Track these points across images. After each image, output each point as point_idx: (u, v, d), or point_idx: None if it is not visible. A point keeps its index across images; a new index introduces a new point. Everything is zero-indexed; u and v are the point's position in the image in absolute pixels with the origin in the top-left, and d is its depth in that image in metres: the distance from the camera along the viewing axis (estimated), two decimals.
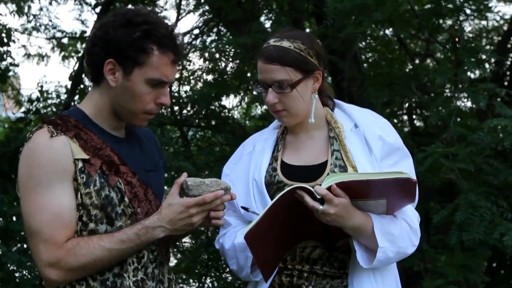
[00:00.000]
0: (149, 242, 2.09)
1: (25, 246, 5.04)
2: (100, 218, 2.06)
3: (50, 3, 7.49)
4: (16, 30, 6.10)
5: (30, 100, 7.03)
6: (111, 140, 2.12)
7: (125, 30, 2.04)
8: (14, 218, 5.04)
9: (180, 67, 6.02)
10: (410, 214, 2.32)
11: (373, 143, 2.35)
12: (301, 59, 2.29)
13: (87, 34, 7.48)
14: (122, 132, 2.19)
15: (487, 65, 4.58)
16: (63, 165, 2.00)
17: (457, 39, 4.23)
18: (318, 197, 2.12)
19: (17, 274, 4.92)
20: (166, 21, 2.13)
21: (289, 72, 2.27)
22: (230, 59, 5.70)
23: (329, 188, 2.12)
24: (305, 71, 2.31)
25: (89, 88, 7.43)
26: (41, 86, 7.35)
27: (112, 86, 2.08)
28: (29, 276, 4.84)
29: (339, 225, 2.19)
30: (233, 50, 5.47)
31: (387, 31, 5.44)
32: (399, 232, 2.26)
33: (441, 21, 4.40)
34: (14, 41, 5.87)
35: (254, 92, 6.67)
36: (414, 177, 2.27)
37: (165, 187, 2.38)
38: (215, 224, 2.18)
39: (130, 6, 6.84)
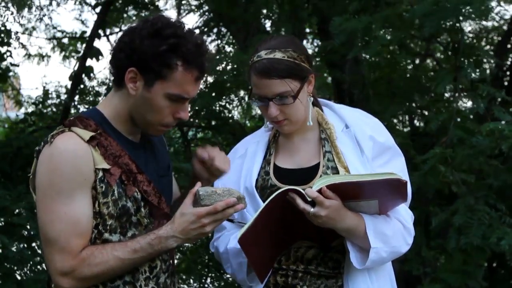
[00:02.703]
0: (162, 252, 2.08)
1: (27, 244, 5.05)
2: (114, 228, 2.05)
3: (50, 3, 7.49)
4: (17, 32, 6.09)
5: (35, 103, 7.04)
6: (129, 147, 2.09)
7: (152, 41, 1.98)
8: (13, 217, 5.05)
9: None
10: (403, 213, 2.31)
11: (364, 143, 2.34)
12: (296, 67, 2.27)
13: (87, 34, 7.49)
14: (138, 136, 2.17)
15: (486, 66, 4.59)
16: (85, 174, 1.98)
17: (456, 45, 4.23)
18: (309, 199, 2.12)
19: (17, 271, 4.92)
20: (195, 34, 2.06)
21: (288, 83, 2.24)
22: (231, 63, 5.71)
23: (320, 191, 2.12)
24: (302, 78, 2.28)
25: (89, 88, 7.43)
26: (47, 90, 7.36)
27: (131, 94, 2.04)
28: (31, 274, 4.84)
29: (331, 227, 2.19)
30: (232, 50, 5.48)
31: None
32: (392, 231, 2.25)
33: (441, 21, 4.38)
34: (18, 38, 5.85)
35: None
36: (406, 176, 2.28)
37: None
38: None
39: (130, 6, 6.86)
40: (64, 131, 2.02)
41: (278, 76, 2.23)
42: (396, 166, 2.32)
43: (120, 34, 2.09)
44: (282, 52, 2.26)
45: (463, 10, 3.80)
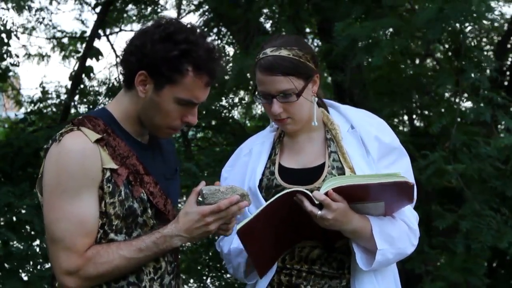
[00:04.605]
0: (167, 251, 2.08)
1: (31, 242, 5.05)
2: (120, 228, 2.05)
3: (50, 3, 7.48)
4: (16, 30, 6.08)
5: (33, 102, 7.03)
6: (137, 147, 2.09)
7: (163, 46, 1.98)
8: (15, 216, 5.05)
9: None
10: (408, 214, 2.31)
11: (369, 144, 2.34)
12: (301, 66, 2.28)
13: (87, 34, 7.49)
14: (146, 138, 2.17)
15: (487, 67, 4.58)
16: (92, 174, 1.98)
17: (458, 47, 4.23)
18: (317, 202, 2.12)
19: (21, 269, 4.92)
20: (208, 40, 2.06)
21: (293, 81, 2.25)
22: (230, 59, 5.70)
23: (327, 193, 2.12)
24: (306, 77, 2.29)
25: (89, 88, 7.42)
26: (43, 87, 7.36)
27: (141, 96, 2.05)
28: (34, 271, 4.85)
29: (338, 229, 2.20)
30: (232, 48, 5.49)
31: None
32: (397, 233, 2.26)
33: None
34: (17, 37, 5.84)
35: None
36: (411, 177, 2.29)
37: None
38: (222, 234, 2.18)
39: (130, 6, 6.86)
40: (73, 130, 2.02)
41: (282, 73, 2.24)
42: (401, 167, 2.32)
43: (131, 35, 2.10)
44: (288, 50, 2.28)
45: (468, 18, 3.81)
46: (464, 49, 4.18)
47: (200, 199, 2.07)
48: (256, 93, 2.34)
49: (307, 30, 6.69)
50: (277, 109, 2.28)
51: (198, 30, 2.06)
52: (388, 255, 2.24)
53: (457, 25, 3.95)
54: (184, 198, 5.46)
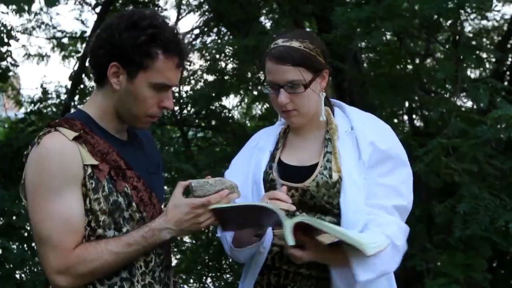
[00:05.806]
0: (156, 244, 2.09)
1: (27, 245, 5.05)
2: (108, 224, 2.05)
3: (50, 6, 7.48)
4: (17, 30, 6.09)
5: (33, 102, 7.03)
6: (116, 144, 2.11)
7: (130, 33, 2.02)
8: (14, 218, 5.05)
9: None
10: (395, 230, 2.24)
11: (363, 148, 2.32)
12: (311, 58, 2.29)
13: (87, 34, 7.50)
14: (125, 134, 2.19)
15: (487, 64, 4.59)
16: (73, 171, 1.99)
17: (457, 37, 4.23)
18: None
19: (17, 272, 4.92)
20: (170, 23, 2.11)
21: (301, 72, 2.26)
22: (230, 59, 5.71)
23: (299, 225, 2.06)
24: (315, 70, 2.30)
25: (89, 88, 7.44)
26: (44, 88, 7.36)
27: (115, 89, 2.06)
28: (29, 275, 4.84)
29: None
30: (232, 49, 5.49)
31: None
32: (380, 257, 2.14)
33: (441, 19, 4.38)
34: (17, 38, 5.85)
35: (255, 92, 6.70)
36: (409, 189, 2.30)
37: (165, 187, 2.36)
38: (211, 224, 2.17)
39: (131, 6, 6.87)
40: (50, 131, 2.03)
41: (292, 63, 2.26)
42: (398, 177, 2.31)
43: (96, 32, 2.13)
44: (299, 42, 2.30)
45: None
46: (463, 39, 4.17)
47: (191, 192, 2.08)
48: (265, 83, 2.35)
49: (307, 30, 6.70)
50: (284, 99, 2.29)
51: (160, 16, 2.10)
52: (370, 280, 2.18)
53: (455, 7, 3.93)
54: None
